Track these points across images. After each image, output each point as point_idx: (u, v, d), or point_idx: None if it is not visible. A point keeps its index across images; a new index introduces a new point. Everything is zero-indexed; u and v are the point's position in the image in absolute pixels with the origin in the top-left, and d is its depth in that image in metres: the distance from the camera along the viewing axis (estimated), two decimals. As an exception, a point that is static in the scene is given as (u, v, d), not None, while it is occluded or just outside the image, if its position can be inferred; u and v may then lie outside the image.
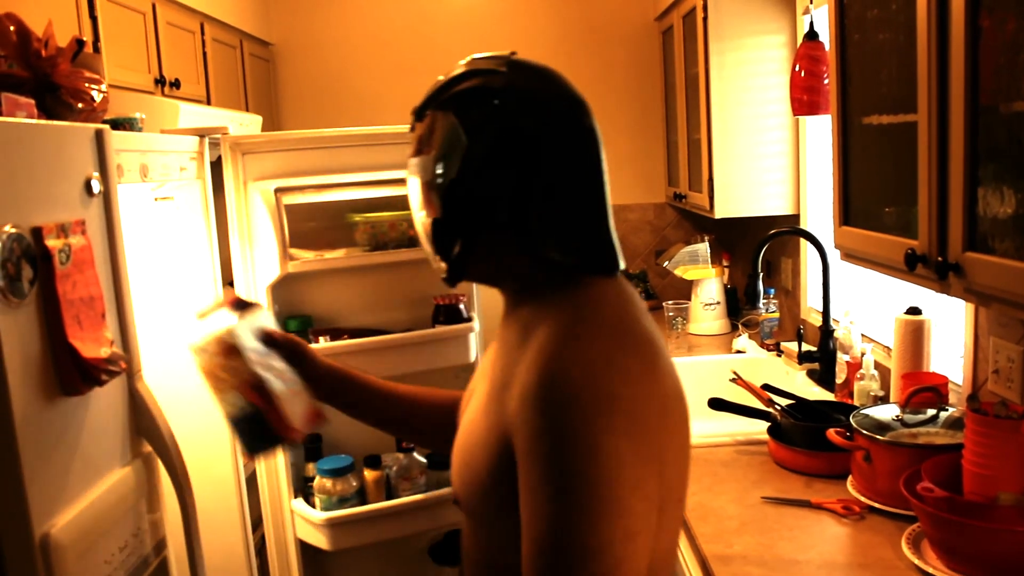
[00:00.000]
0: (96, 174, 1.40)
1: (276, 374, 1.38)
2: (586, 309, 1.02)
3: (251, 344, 1.37)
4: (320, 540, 2.04)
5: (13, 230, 1.14)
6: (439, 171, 1.05)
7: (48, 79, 1.51)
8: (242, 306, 1.41)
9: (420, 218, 1.12)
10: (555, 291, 1.05)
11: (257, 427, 1.36)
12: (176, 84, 2.78)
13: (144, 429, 1.52)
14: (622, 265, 1.10)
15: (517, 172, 1.03)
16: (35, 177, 1.23)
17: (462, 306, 2.10)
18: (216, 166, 2.05)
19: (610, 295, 1.05)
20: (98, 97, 1.59)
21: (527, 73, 1.08)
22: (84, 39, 1.60)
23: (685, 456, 1.05)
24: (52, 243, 1.22)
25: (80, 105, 1.54)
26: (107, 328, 1.38)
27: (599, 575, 0.89)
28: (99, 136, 1.43)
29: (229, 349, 1.35)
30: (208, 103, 3.15)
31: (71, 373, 1.25)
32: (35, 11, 1.82)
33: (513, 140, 1.03)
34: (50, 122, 1.38)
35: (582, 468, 0.90)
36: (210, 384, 1.37)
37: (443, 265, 1.09)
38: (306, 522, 2.06)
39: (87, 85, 1.56)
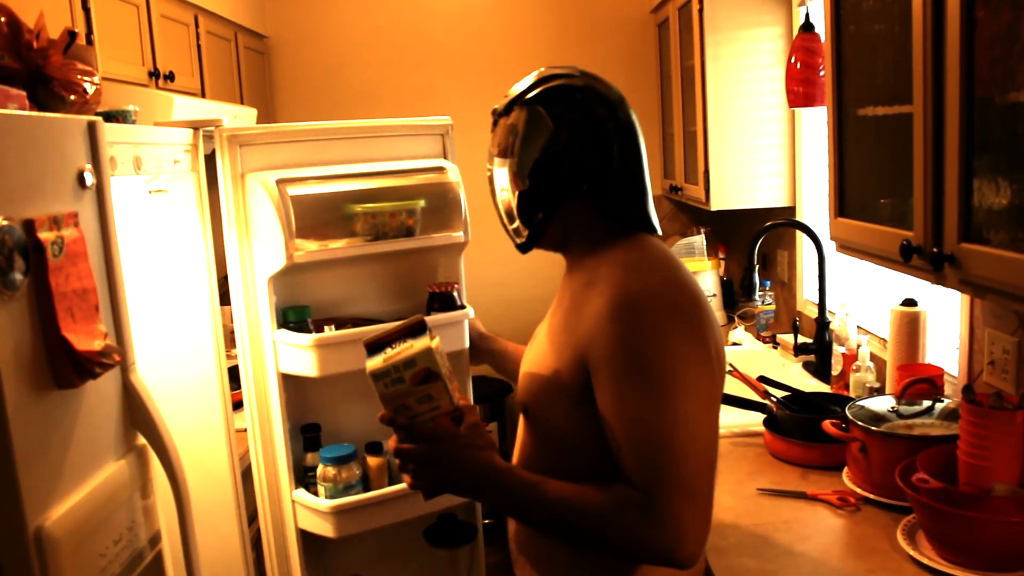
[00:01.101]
0: (89, 166, 1.39)
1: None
2: (642, 251, 1.32)
3: (445, 370, 1.27)
4: (325, 528, 2.05)
5: (5, 222, 1.13)
6: (529, 153, 1.35)
7: (40, 71, 1.50)
8: (423, 330, 1.28)
9: (504, 197, 1.42)
10: (615, 244, 1.35)
11: None
12: (170, 77, 2.76)
13: (138, 422, 1.52)
14: (659, 230, 1.43)
15: (595, 148, 1.34)
16: (27, 169, 1.22)
17: (456, 294, 2.11)
18: (210, 159, 2.04)
19: (659, 245, 1.37)
20: (91, 89, 1.58)
21: (593, 77, 1.40)
22: (76, 31, 1.59)
23: (722, 370, 1.32)
24: (45, 235, 1.21)
25: (72, 97, 1.53)
26: (101, 321, 1.37)
27: (681, 452, 1.18)
28: (92, 128, 1.42)
29: (425, 375, 1.24)
30: (203, 96, 3.14)
31: (64, 366, 1.25)
32: (27, 3, 1.81)
33: (591, 124, 1.34)
34: (42, 114, 1.37)
35: (655, 362, 1.19)
36: (395, 415, 1.27)
37: (526, 232, 1.39)
38: (310, 511, 2.06)
39: (79, 77, 1.55)
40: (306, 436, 2.13)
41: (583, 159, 1.35)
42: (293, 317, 2.02)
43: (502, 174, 1.41)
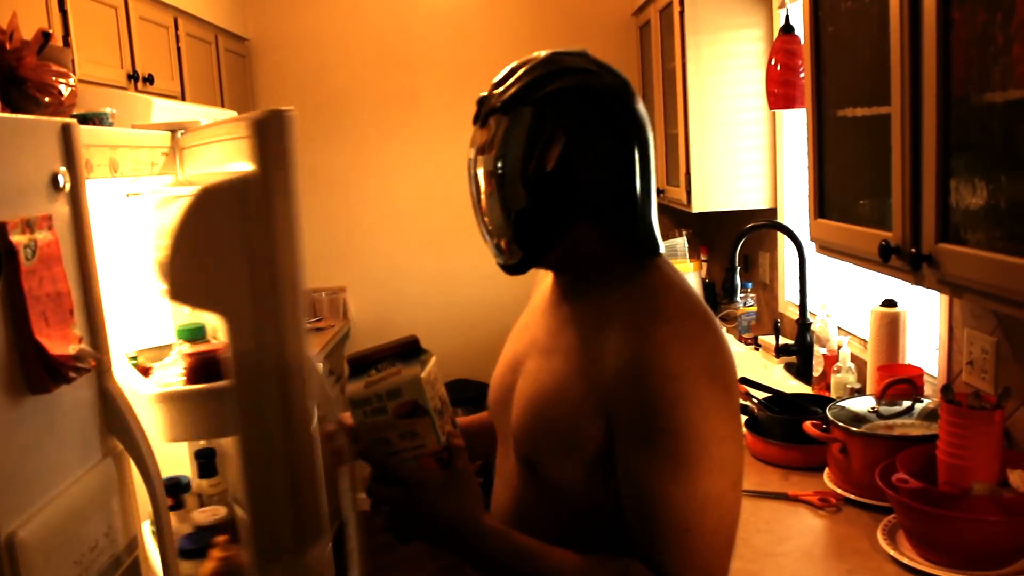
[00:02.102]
0: (63, 169, 1.38)
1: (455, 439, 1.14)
2: (664, 290, 1.14)
3: (435, 403, 1.10)
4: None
5: (-24, 225, 1.12)
6: (535, 164, 1.11)
7: (13, 72, 1.49)
8: (416, 352, 1.11)
9: (493, 208, 1.16)
10: (630, 273, 1.16)
11: None
12: (149, 79, 2.75)
13: (115, 427, 1.50)
14: (663, 247, 1.21)
15: (615, 167, 1.13)
16: (-1, 172, 1.21)
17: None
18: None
19: (674, 276, 1.18)
20: (66, 91, 1.56)
21: (607, 68, 1.15)
22: (50, 32, 1.57)
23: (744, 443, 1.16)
24: (17, 239, 1.20)
25: (47, 99, 1.52)
26: (75, 325, 1.36)
27: (706, 536, 1.05)
28: (66, 130, 1.40)
29: (411, 408, 1.08)
30: (183, 99, 3.12)
31: (38, 371, 1.23)
32: (2, 4, 1.79)
33: (614, 137, 1.12)
34: (15, 116, 1.35)
35: (692, 437, 1.05)
36: (372, 449, 1.10)
37: (519, 254, 1.16)
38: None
39: (54, 79, 1.54)
40: (200, 462, 1.89)
41: (602, 178, 1.13)
42: (185, 336, 1.70)
43: (494, 181, 1.15)
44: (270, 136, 1.39)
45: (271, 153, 1.39)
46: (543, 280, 1.34)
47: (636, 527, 1.08)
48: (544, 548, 1.10)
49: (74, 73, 1.66)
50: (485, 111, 1.16)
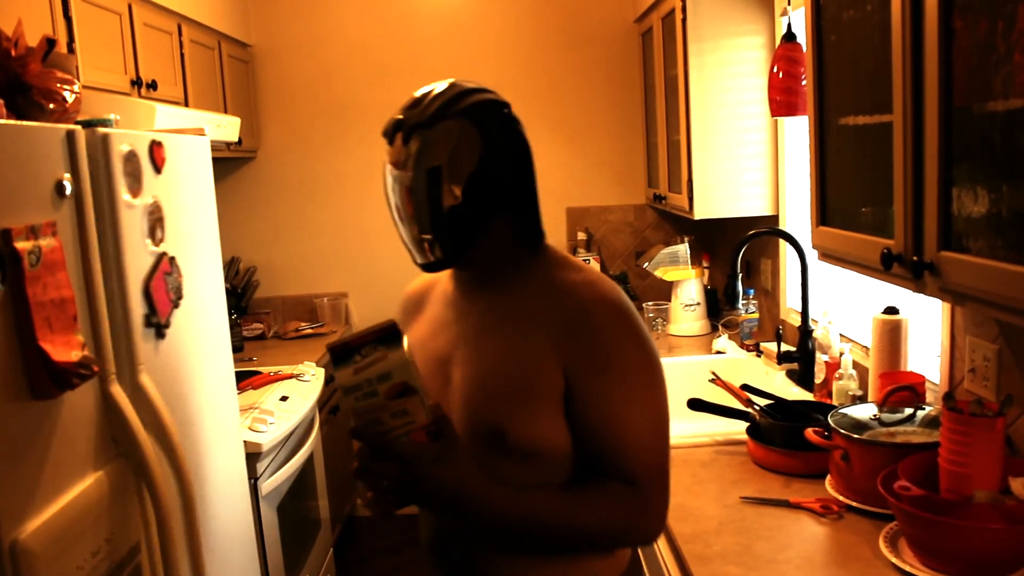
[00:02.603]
0: (67, 175, 1.39)
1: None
2: (563, 257, 1.39)
3: (420, 381, 1.19)
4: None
5: (-19, 232, 1.12)
6: (463, 167, 1.29)
7: (18, 79, 1.49)
8: (395, 336, 1.18)
9: (419, 211, 1.30)
10: (538, 257, 1.38)
11: None
12: (153, 85, 2.75)
13: (117, 433, 1.50)
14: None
15: (522, 165, 1.35)
16: (4, 178, 1.21)
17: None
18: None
19: (570, 255, 1.42)
20: (70, 98, 1.57)
21: (494, 92, 1.39)
22: (55, 39, 1.58)
23: None
24: (21, 245, 1.20)
25: (52, 106, 1.53)
26: (79, 331, 1.36)
27: (663, 444, 1.30)
28: (70, 136, 1.41)
29: (401, 389, 1.16)
30: (186, 105, 3.13)
31: (41, 376, 1.24)
32: (7, 11, 1.80)
33: (519, 140, 1.35)
34: (20, 122, 1.36)
35: (641, 363, 1.28)
36: (365, 430, 1.18)
37: (449, 246, 1.31)
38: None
39: (59, 85, 1.54)
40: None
41: (513, 177, 1.34)
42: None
43: (422, 186, 1.30)
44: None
45: None
46: (423, 294, 1.51)
47: (606, 450, 1.27)
48: (536, 491, 1.26)
49: (78, 79, 1.66)
50: (406, 129, 1.31)
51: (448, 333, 1.40)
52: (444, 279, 1.47)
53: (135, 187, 1.64)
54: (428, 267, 1.35)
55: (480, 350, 1.34)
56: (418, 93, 1.35)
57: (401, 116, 1.32)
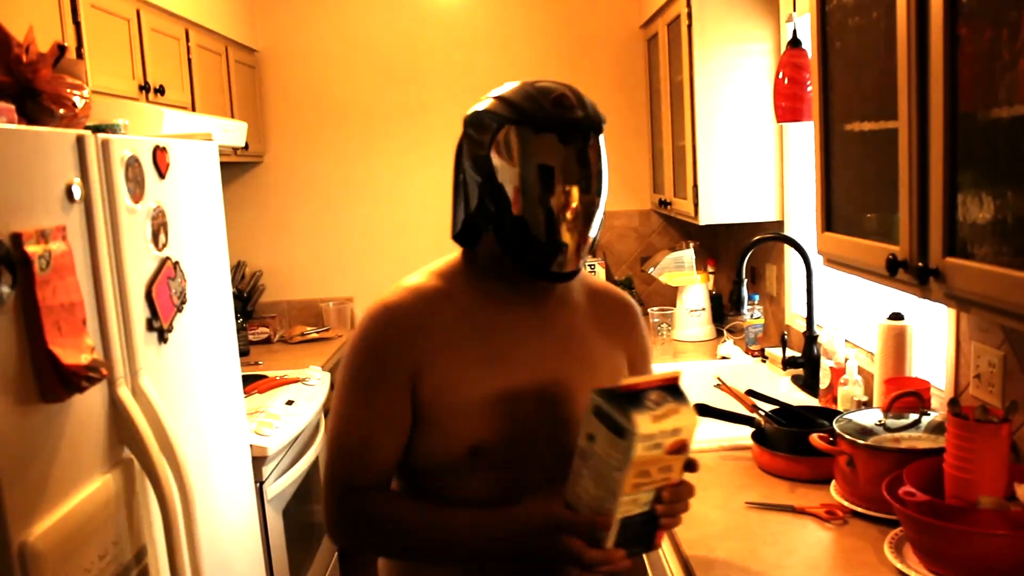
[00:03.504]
0: (77, 179, 1.40)
1: None
2: None
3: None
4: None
5: (-8, 236, 1.13)
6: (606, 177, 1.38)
7: (29, 85, 1.50)
8: (681, 389, 1.16)
9: (596, 226, 1.33)
10: None
11: (646, 529, 1.21)
12: (161, 91, 2.77)
13: (125, 436, 1.51)
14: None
15: None
16: (15, 183, 1.22)
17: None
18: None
19: None
20: (80, 103, 1.58)
21: None
22: (65, 45, 1.59)
23: None
24: (32, 249, 1.21)
25: (62, 111, 1.54)
26: (88, 335, 1.37)
27: None
28: (80, 142, 1.42)
29: (681, 446, 1.15)
30: (193, 109, 3.15)
31: (51, 380, 1.25)
32: (17, 17, 1.81)
33: None
34: (31, 127, 1.37)
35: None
36: (631, 479, 1.13)
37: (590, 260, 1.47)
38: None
39: (69, 91, 1.56)
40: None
41: None
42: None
43: (601, 187, 1.32)
44: None
45: None
46: (422, 318, 1.33)
47: None
48: None
49: (87, 85, 1.68)
50: (596, 129, 1.30)
51: (534, 343, 1.37)
52: (437, 299, 1.36)
53: (137, 192, 1.65)
54: (569, 275, 1.32)
55: (582, 355, 1.40)
56: (570, 88, 1.33)
57: (581, 115, 1.29)
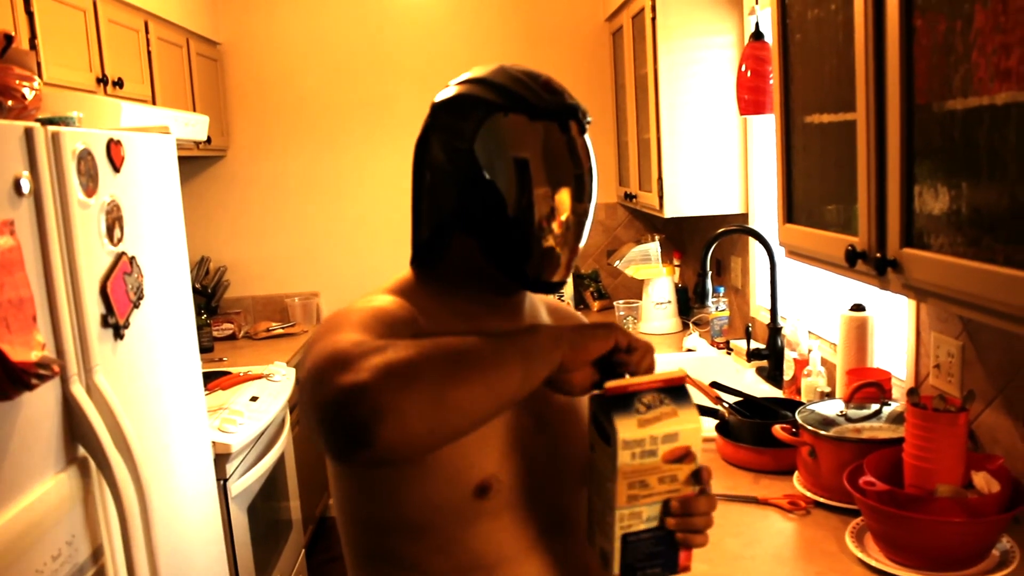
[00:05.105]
0: (26, 173, 1.36)
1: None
2: None
3: (700, 447, 1.03)
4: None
5: (-65, 230, 1.10)
6: None
7: (-24, 76, 1.47)
8: (686, 390, 1.03)
9: (588, 214, 1.16)
10: None
11: (660, 550, 1.06)
12: (119, 83, 2.72)
13: (79, 434, 1.48)
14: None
15: None
16: (-41, 176, 1.19)
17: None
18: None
19: None
20: (29, 94, 1.55)
21: None
22: (12, 34, 1.56)
23: None
24: (-23, 244, 1.18)
25: (10, 103, 1.50)
26: (38, 331, 1.34)
27: None
28: (29, 134, 1.39)
29: (683, 454, 1.01)
30: (153, 103, 3.10)
31: (-1, 378, 1.22)
32: (-35, 6, 1.77)
33: None
34: (-23, 119, 1.34)
35: None
36: (623, 490, 1.00)
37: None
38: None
39: (17, 82, 1.52)
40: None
41: None
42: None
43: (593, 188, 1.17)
44: None
45: None
46: (407, 322, 1.09)
47: None
48: None
49: (40, 76, 1.64)
50: (587, 118, 1.15)
51: None
52: (411, 318, 1.11)
53: (90, 186, 1.62)
54: (562, 284, 1.16)
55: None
56: (546, 76, 1.13)
57: (574, 101, 1.12)
